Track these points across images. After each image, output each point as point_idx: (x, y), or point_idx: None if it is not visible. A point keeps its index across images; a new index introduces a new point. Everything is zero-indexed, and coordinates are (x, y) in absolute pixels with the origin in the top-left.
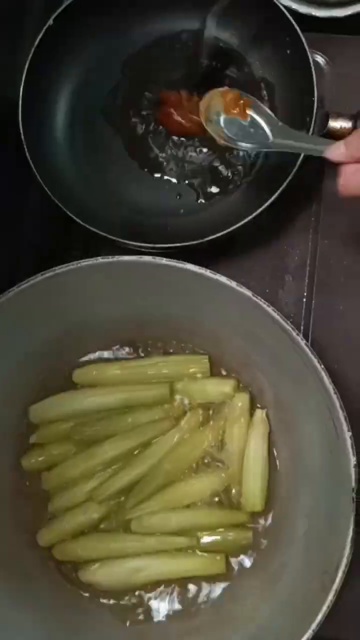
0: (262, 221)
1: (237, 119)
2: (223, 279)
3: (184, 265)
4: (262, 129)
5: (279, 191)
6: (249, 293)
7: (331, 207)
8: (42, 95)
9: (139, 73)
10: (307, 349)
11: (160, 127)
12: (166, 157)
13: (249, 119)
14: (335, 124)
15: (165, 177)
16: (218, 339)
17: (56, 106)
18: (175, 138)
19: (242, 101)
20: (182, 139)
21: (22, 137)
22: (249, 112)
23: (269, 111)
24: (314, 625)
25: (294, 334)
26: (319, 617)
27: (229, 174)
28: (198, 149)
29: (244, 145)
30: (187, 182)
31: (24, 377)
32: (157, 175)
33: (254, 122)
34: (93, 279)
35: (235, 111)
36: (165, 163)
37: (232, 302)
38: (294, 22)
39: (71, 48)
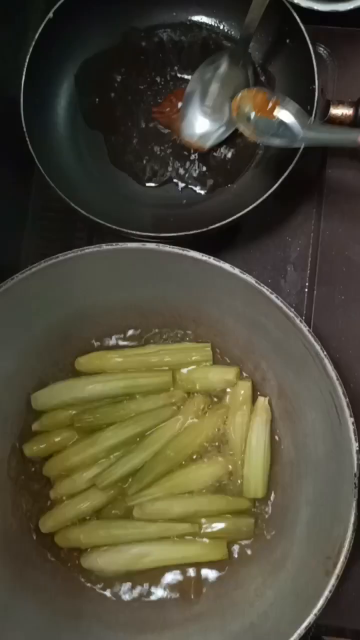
0: (264, 211)
1: (265, 118)
2: (226, 266)
3: (187, 253)
4: (291, 126)
5: (279, 181)
6: (252, 280)
7: (333, 198)
8: (44, 88)
9: (134, 68)
10: (310, 336)
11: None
12: (163, 152)
13: (276, 118)
14: (337, 111)
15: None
16: (221, 326)
17: (58, 99)
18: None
19: (270, 103)
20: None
21: (25, 130)
22: (277, 113)
23: (298, 108)
24: (315, 610)
25: (297, 320)
26: (321, 601)
27: (230, 165)
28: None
29: (276, 141)
30: (189, 173)
31: (26, 365)
32: (152, 184)
33: (282, 122)
34: (96, 266)
35: (263, 111)
36: (162, 158)
37: (235, 290)
38: (294, 13)
39: (71, 41)
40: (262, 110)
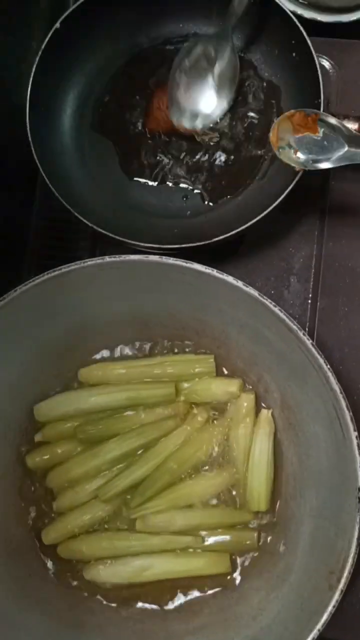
0: (268, 223)
1: (308, 136)
2: (230, 278)
3: (191, 265)
4: (336, 139)
5: (285, 193)
6: (255, 293)
7: (336, 209)
8: (49, 98)
9: (140, 77)
10: (313, 349)
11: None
12: (168, 162)
13: (320, 133)
14: None
15: (168, 183)
16: (224, 338)
17: (63, 109)
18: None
19: (309, 117)
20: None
21: (30, 139)
22: (319, 126)
23: (337, 120)
24: (319, 625)
25: (300, 333)
26: (325, 616)
27: (235, 177)
28: (202, 152)
29: (322, 165)
30: (193, 184)
31: (29, 376)
32: (154, 183)
33: (326, 135)
34: (99, 278)
35: (305, 128)
36: (167, 168)
37: (238, 302)
38: (299, 26)
39: (77, 51)
40: (303, 126)
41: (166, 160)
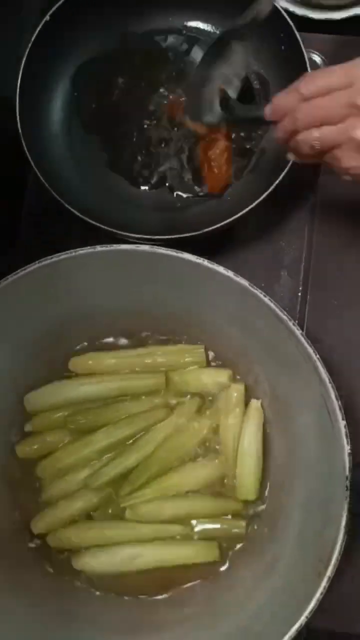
0: (259, 216)
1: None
2: (220, 268)
3: (181, 255)
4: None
5: (273, 185)
6: (245, 283)
7: (326, 203)
8: (39, 91)
9: (130, 72)
10: (302, 339)
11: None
12: (158, 155)
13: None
14: None
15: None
16: (214, 329)
17: (53, 102)
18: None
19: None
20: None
21: (20, 132)
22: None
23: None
24: (306, 612)
25: (290, 323)
26: (312, 603)
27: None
28: (192, 146)
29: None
30: (183, 177)
31: (19, 366)
32: (146, 187)
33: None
34: (90, 268)
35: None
36: (156, 162)
37: (228, 293)
38: (289, 20)
39: (67, 44)
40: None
41: (155, 154)
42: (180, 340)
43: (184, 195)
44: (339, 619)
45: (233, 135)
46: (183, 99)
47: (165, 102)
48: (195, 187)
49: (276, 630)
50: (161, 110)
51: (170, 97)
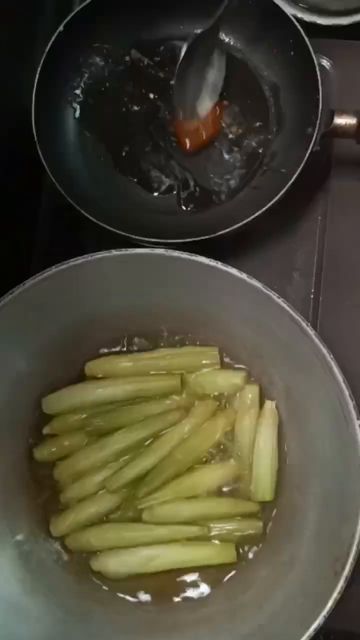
0: (270, 218)
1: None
2: (234, 271)
3: (196, 258)
4: None
5: (285, 188)
6: (259, 285)
7: (338, 205)
8: (54, 99)
9: (141, 79)
10: (316, 339)
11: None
12: (170, 162)
13: None
14: (341, 120)
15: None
16: (229, 331)
17: (67, 110)
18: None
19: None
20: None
21: (36, 139)
22: None
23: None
24: (324, 612)
25: (304, 324)
26: (330, 602)
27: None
28: (203, 151)
29: None
30: (196, 181)
31: (37, 369)
32: (158, 193)
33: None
34: (106, 271)
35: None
36: (168, 168)
37: (242, 295)
38: (299, 27)
39: (81, 52)
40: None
41: (168, 160)
42: (195, 342)
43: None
44: (356, 620)
45: (245, 143)
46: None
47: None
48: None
49: (294, 631)
50: (171, 118)
51: (178, 128)
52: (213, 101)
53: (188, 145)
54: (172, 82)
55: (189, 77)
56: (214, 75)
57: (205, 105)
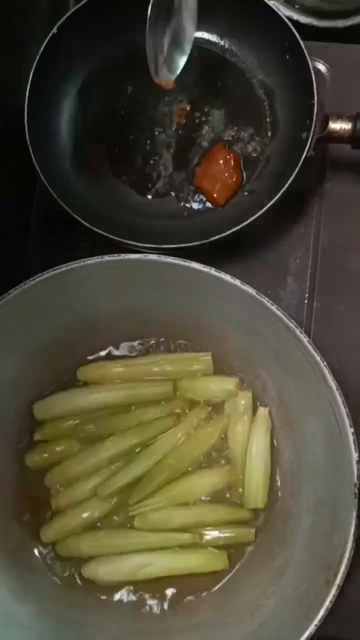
0: (264, 223)
1: None
2: (227, 277)
3: (189, 264)
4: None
5: (280, 193)
6: (252, 291)
7: (331, 210)
8: (47, 101)
9: (135, 82)
10: (309, 346)
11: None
12: (163, 165)
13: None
14: (335, 125)
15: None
16: (222, 337)
17: (61, 113)
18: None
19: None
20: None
21: (28, 142)
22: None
23: None
24: (316, 620)
25: (297, 331)
26: (322, 611)
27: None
28: (198, 155)
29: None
30: (189, 186)
31: (29, 374)
32: (152, 197)
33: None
34: (98, 277)
35: None
36: (162, 172)
37: (235, 301)
38: (293, 30)
39: (74, 55)
40: None
41: (161, 164)
42: (188, 348)
43: (189, 205)
44: (349, 627)
45: (240, 147)
46: (189, 107)
47: (172, 110)
48: (197, 196)
49: (286, 638)
50: (166, 120)
51: (176, 105)
52: (184, 54)
53: (222, 200)
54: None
55: (158, 31)
56: (182, 27)
57: (177, 60)
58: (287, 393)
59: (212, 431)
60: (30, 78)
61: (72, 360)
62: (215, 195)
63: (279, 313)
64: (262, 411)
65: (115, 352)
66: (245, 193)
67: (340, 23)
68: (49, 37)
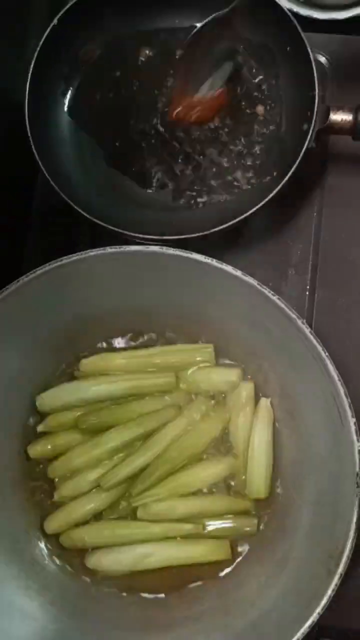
0: (266, 215)
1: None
2: (229, 268)
3: (190, 255)
4: None
5: (281, 184)
6: (254, 282)
7: (333, 202)
8: (48, 94)
9: (135, 74)
10: (311, 337)
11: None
12: (165, 157)
13: None
14: (337, 117)
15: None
16: (224, 328)
17: (61, 104)
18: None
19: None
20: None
21: (29, 134)
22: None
23: None
24: (318, 609)
25: (299, 322)
26: (324, 600)
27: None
28: (198, 148)
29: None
30: (190, 178)
31: (31, 366)
32: (153, 189)
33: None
34: (100, 269)
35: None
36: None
37: (237, 292)
38: (294, 20)
39: (75, 46)
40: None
41: (161, 154)
42: (190, 339)
43: (190, 197)
44: (351, 616)
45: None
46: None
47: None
48: (196, 187)
49: (288, 628)
50: (166, 111)
51: (174, 97)
52: (215, 87)
53: (175, 114)
54: (171, 72)
55: (197, 55)
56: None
57: (206, 88)
58: (289, 384)
59: (215, 423)
60: (31, 71)
61: (75, 351)
62: (177, 108)
63: (280, 304)
64: (264, 402)
65: (118, 344)
66: (246, 185)
67: (340, 15)
68: (49, 29)
